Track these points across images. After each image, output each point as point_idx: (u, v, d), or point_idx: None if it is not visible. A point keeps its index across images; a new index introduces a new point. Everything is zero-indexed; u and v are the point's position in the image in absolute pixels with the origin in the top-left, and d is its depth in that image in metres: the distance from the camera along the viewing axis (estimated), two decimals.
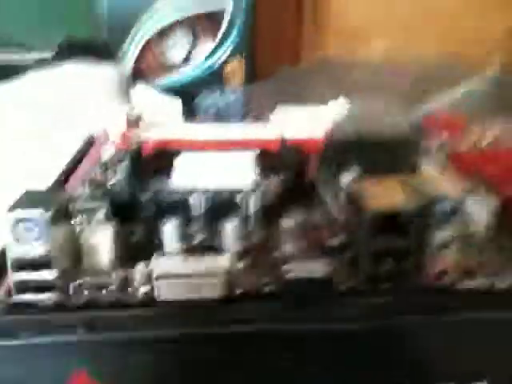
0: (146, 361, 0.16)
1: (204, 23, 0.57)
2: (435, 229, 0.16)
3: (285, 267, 0.17)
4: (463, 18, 0.65)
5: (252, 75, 0.60)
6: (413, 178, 0.18)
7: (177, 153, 0.28)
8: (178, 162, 0.26)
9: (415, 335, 0.16)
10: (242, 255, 0.18)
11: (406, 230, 0.16)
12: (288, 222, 0.19)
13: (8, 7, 0.59)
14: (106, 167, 0.27)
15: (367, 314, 0.16)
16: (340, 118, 0.28)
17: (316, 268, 0.16)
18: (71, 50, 0.54)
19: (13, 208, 0.16)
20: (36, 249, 0.16)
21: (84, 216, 0.20)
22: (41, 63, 0.53)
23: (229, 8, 0.57)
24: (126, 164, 0.25)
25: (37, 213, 0.15)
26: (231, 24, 0.57)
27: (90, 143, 0.32)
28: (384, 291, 0.17)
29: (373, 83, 0.61)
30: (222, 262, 0.17)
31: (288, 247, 0.19)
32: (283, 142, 0.29)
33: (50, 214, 0.15)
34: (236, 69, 0.60)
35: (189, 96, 0.58)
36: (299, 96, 0.58)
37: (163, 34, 0.56)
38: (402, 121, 0.27)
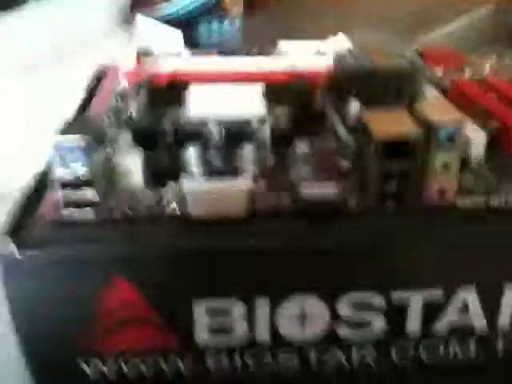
0: (179, 272, 0.18)
1: None
2: (435, 153, 0.18)
3: (299, 188, 0.19)
4: None
5: (250, 5, 0.60)
6: (414, 108, 0.19)
7: (187, 85, 0.29)
8: (189, 94, 0.28)
9: (416, 247, 0.19)
10: (259, 177, 0.20)
11: (409, 155, 0.18)
12: (300, 147, 0.21)
13: None
14: (121, 98, 0.29)
15: (375, 230, 0.18)
16: (342, 52, 0.29)
17: (328, 189, 0.18)
18: None
19: (56, 134, 0.17)
20: (78, 170, 0.17)
21: (111, 143, 0.22)
22: None
23: None
24: (142, 94, 0.27)
25: (78, 138, 0.17)
26: None
27: (100, 75, 0.33)
28: (389, 209, 0.19)
29: (373, 16, 0.61)
30: (243, 182, 0.19)
31: (301, 170, 0.21)
32: (290, 73, 0.30)
33: (89, 139, 0.17)
34: None
35: (189, 25, 0.59)
36: (299, 27, 0.58)
37: None
38: (402, 53, 0.28)
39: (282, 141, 0.23)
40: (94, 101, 0.29)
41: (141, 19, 0.50)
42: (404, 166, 0.18)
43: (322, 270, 0.18)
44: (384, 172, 0.18)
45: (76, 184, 0.17)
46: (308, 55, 0.32)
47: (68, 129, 0.18)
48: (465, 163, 0.20)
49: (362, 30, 0.56)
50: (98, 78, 0.32)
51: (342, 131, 0.24)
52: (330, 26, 0.58)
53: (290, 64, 0.31)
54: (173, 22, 0.57)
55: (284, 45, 0.33)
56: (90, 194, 0.18)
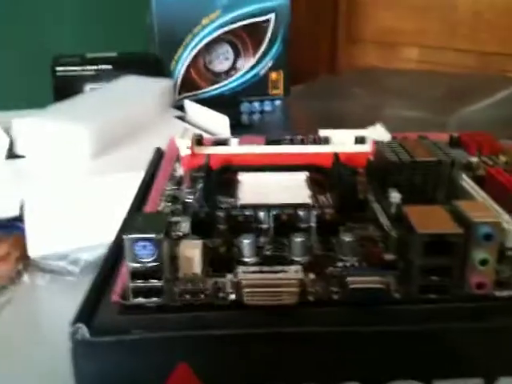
0: (236, 355, 0.20)
1: (246, 37, 0.61)
2: (474, 249, 0.20)
3: (348, 278, 0.20)
4: (498, 30, 0.67)
5: (290, 87, 0.64)
6: (454, 205, 0.21)
7: (239, 168, 0.31)
8: (240, 181, 0.30)
9: (458, 337, 0.20)
10: (308, 266, 0.22)
11: (449, 250, 0.19)
12: (347, 237, 0.23)
13: (67, 20, 0.64)
14: (179, 183, 0.31)
15: (417, 319, 0.20)
16: (381, 143, 0.31)
17: (375, 280, 0.20)
18: (126, 64, 0.58)
19: (131, 231, 0.19)
20: (150, 263, 0.19)
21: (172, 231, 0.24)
22: (98, 76, 0.57)
23: (271, 22, 0.61)
24: (203, 180, 0.29)
25: (152, 235, 0.19)
26: (273, 37, 0.61)
27: (159, 157, 0.36)
28: (432, 300, 0.20)
29: (408, 91, 0.64)
30: (295, 272, 0.21)
31: (347, 260, 0.22)
32: (335, 157, 0.32)
33: (162, 235, 0.19)
34: (277, 79, 0.63)
35: (233, 103, 0.63)
36: (336, 103, 0.61)
37: (209, 47, 0.60)
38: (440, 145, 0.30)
39: (327, 228, 0.25)
40: (153, 187, 0.31)
41: (188, 104, 0.54)
42: (446, 260, 0.19)
43: (366, 357, 0.19)
44: (425, 265, 0.20)
45: (145, 275, 0.19)
46: (348, 142, 0.34)
47: (139, 224, 0.20)
48: (503, 254, 0.22)
49: (399, 108, 0.59)
50: (155, 163, 0.35)
51: (384, 221, 0.25)
52: (365, 104, 0.61)
53: (333, 151, 0.33)
54: (217, 100, 0.62)
55: (325, 132, 0.36)
56: (158, 283, 0.20)
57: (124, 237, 0.19)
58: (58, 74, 0.57)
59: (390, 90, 0.64)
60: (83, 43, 0.62)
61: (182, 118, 0.53)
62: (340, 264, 0.22)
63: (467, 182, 0.27)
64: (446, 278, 0.19)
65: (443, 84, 0.65)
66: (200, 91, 0.62)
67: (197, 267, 0.21)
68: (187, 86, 0.61)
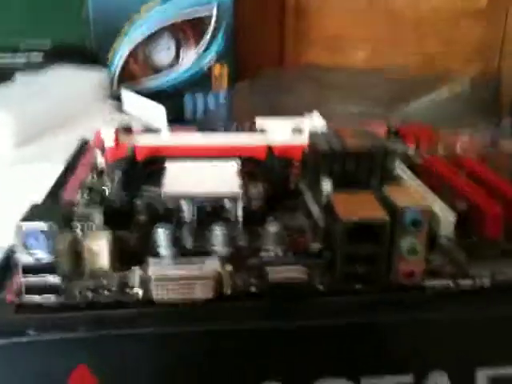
0: (142, 356, 0.18)
1: (188, 30, 0.59)
2: (402, 236, 0.18)
3: (268, 270, 0.18)
4: (439, 28, 0.68)
5: (235, 81, 0.62)
6: (382, 191, 0.20)
7: (167, 159, 0.29)
8: (167, 170, 0.28)
9: (386, 330, 0.18)
10: (229, 258, 0.20)
11: (376, 237, 0.18)
12: (272, 227, 0.21)
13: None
14: (100, 174, 0.29)
15: (342, 311, 0.18)
16: (316, 131, 0.30)
17: (296, 272, 0.18)
18: (59, 54, 0.55)
19: (22, 220, 0.17)
20: (42, 257, 0.17)
21: (82, 222, 0.22)
22: (29, 66, 0.54)
23: (213, 15, 0.59)
24: (120, 171, 0.27)
25: (44, 225, 0.17)
26: (215, 31, 0.59)
27: (83, 148, 0.33)
28: (357, 291, 0.18)
29: (350, 87, 0.64)
30: (212, 265, 0.19)
31: (272, 250, 0.21)
32: (269, 148, 0.30)
33: (55, 225, 0.17)
34: (220, 73, 0.61)
35: (175, 97, 0.60)
36: (280, 98, 0.60)
37: (150, 39, 0.58)
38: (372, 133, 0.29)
39: (255, 219, 0.24)
40: (72, 177, 0.29)
41: (125, 93, 0.51)
42: (370, 249, 0.18)
43: (287, 355, 0.18)
44: (350, 254, 0.18)
45: (38, 270, 0.17)
46: (285, 132, 0.33)
47: (32, 213, 0.18)
48: (434, 243, 0.20)
49: (341, 103, 0.59)
50: (78, 154, 0.33)
51: (314, 210, 0.24)
52: (309, 99, 0.60)
53: (267, 141, 0.31)
54: (159, 94, 0.59)
55: (262, 122, 0.34)
56: (52, 279, 0.17)
57: (15, 226, 0.17)
58: None
59: (335, 87, 0.63)
60: (12, 30, 0.58)
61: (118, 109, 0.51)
62: (263, 254, 0.20)
63: (403, 171, 0.26)
64: (372, 266, 0.18)
65: (388, 82, 0.65)
66: (140, 84, 0.59)
67: (103, 261, 0.19)
68: (126, 77, 0.58)
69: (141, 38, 0.58)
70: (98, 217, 0.23)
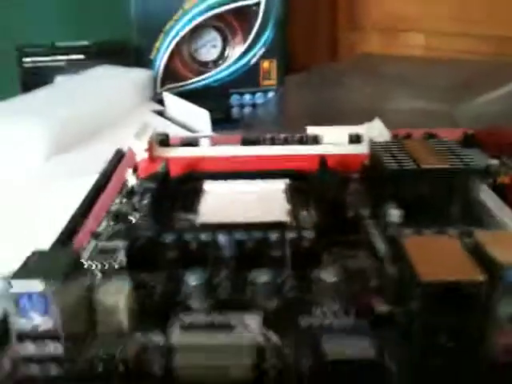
0: None
1: (234, 22, 0.55)
2: (503, 301, 0.14)
3: (326, 345, 0.14)
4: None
5: (285, 75, 0.58)
6: (475, 236, 0.15)
7: (205, 179, 0.26)
8: (201, 195, 0.24)
9: None
10: (274, 315, 0.16)
11: (467, 302, 0.14)
12: (329, 276, 0.17)
13: (38, 9, 0.58)
14: (130, 194, 0.25)
15: None
16: (377, 144, 0.25)
17: (362, 347, 0.14)
18: (101, 54, 0.52)
19: (15, 277, 0.14)
20: (41, 323, 0.14)
21: (101, 260, 0.19)
22: (71, 67, 0.52)
23: (261, 4, 0.54)
24: (151, 195, 0.23)
25: (39, 285, 0.13)
26: (264, 22, 0.55)
27: (117, 161, 0.30)
28: (441, 371, 0.14)
29: (412, 78, 0.58)
30: (251, 334, 0.15)
31: (326, 305, 0.17)
32: (322, 162, 0.26)
33: (54, 284, 0.14)
34: (269, 68, 0.57)
35: (222, 95, 0.57)
36: (334, 93, 0.55)
37: (194, 34, 0.54)
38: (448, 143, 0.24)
39: (306, 258, 0.19)
40: (100, 199, 0.26)
41: (168, 97, 0.48)
42: (460, 317, 0.14)
43: None
44: (433, 325, 0.14)
45: (35, 337, 0.14)
46: (341, 142, 0.29)
47: (28, 267, 0.14)
48: None
49: (400, 98, 0.53)
50: (111, 168, 0.29)
51: (379, 246, 0.19)
52: (364, 94, 0.55)
53: (320, 153, 0.27)
54: (204, 93, 0.56)
55: (314, 129, 0.30)
56: (55, 348, 0.14)
57: (5, 284, 0.14)
58: (24, 65, 0.51)
59: (392, 79, 0.57)
60: (51, 31, 0.56)
61: (160, 113, 0.48)
62: (317, 312, 0.16)
63: (488, 196, 0.21)
64: (461, 339, 0.14)
65: (451, 72, 0.58)
66: (185, 82, 0.56)
67: (119, 319, 0.16)
68: (170, 77, 0.55)
69: (184, 32, 0.54)
70: (120, 253, 0.19)
